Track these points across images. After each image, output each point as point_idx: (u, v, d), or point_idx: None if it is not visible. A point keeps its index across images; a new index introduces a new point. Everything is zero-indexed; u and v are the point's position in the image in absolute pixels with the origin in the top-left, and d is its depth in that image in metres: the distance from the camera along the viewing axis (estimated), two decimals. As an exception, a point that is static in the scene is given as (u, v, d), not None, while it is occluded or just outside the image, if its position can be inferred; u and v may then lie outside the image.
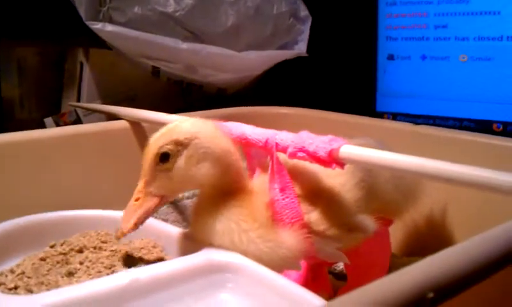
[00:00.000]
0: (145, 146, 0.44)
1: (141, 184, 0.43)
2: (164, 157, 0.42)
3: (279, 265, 0.42)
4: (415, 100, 0.96)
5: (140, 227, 0.43)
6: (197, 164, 0.42)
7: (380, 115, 0.99)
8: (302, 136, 0.45)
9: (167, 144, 0.42)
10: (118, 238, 0.43)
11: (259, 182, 0.46)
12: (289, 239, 0.42)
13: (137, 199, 0.43)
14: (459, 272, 0.24)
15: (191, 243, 0.45)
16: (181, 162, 0.42)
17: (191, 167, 0.42)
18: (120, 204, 0.60)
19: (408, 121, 0.90)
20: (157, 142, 0.42)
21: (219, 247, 0.42)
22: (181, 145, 0.42)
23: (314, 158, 0.43)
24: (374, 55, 1.00)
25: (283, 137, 0.46)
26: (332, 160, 0.42)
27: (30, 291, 0.41)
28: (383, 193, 0.50)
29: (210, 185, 0.43)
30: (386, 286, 0.22)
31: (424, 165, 0.37)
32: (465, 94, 0.90)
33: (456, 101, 0.91)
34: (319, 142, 0.43)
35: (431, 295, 0.23)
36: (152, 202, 0.43)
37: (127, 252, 0.47)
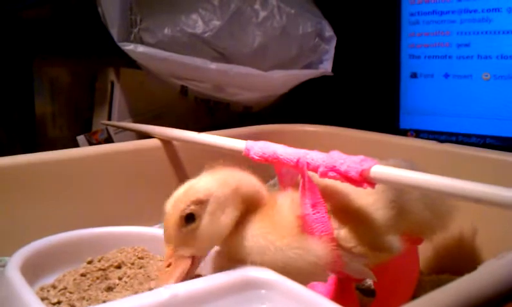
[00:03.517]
0: (175, 164, 0.45)
1: (168, 250, 0.43)
2: (189, 218, 0.42)
3: (307, 272, 0.43)
4: (438, 118, 0.96)
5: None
6: (221, 216, 0.43)
7: (403, 132, 1.00)
8: (333, 156, 0.45)
9: (189, 206, 0.42)
10: None
11: (285, 196, 0.47)
12: (317, 247, 0.43)
13: (168, 265, 0.43)
14: (498, 289, 0.25)
15: (224, 259, 0.46)
16: (206, 219, 0.43)
17: (216, 220, 0.43)
18: (152, 221, 0.62)
19: (431, 138, 0.91)
20: (177, 206, 0.43)
21: (251, 263, 0.43)
22: (202, 203, 0.43)
23: (345, 177, 0.43)
24: (397, 74, 1.00)
25: (314, 156, 0.46)
26: (363, 179, 0.43)
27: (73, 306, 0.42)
28: (414, 212, 0.50)
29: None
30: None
31: (456, 186, 0.38)
32: (488, 112, 0.90)
33: (479, 118, 0.91)
34: (350, 162, 0.43)
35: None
36: (184, 264, 0.43)
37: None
